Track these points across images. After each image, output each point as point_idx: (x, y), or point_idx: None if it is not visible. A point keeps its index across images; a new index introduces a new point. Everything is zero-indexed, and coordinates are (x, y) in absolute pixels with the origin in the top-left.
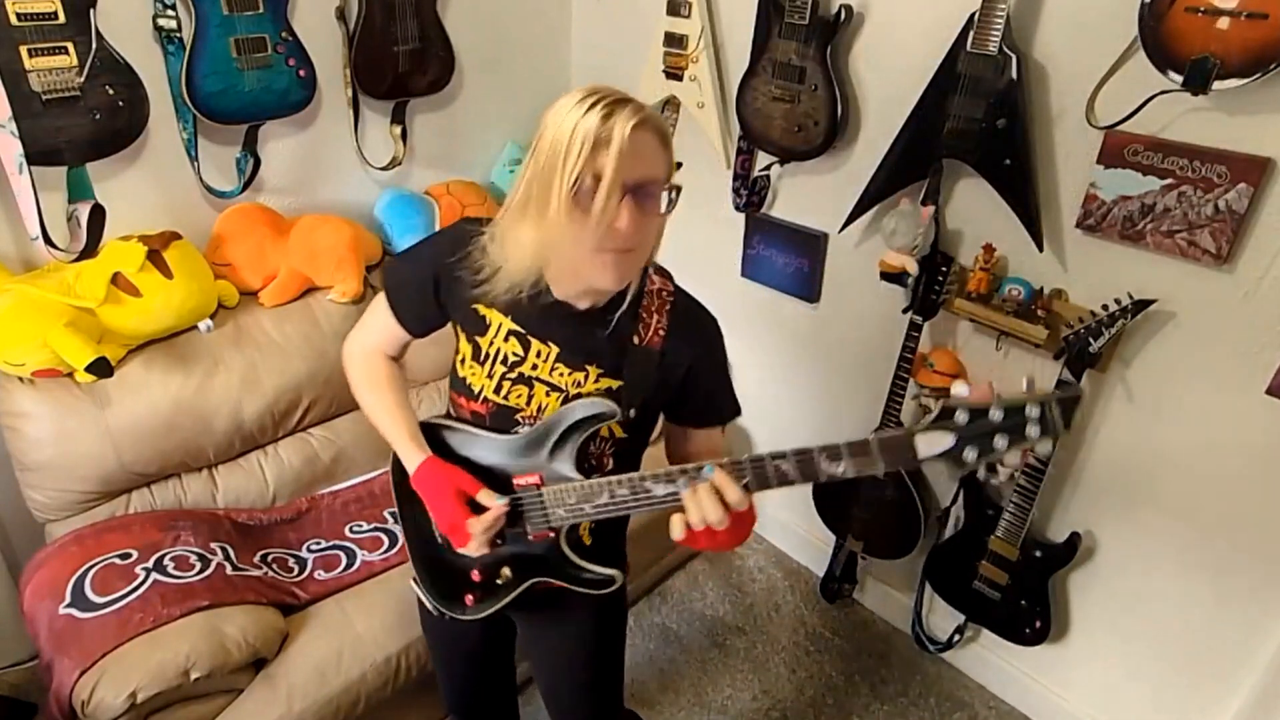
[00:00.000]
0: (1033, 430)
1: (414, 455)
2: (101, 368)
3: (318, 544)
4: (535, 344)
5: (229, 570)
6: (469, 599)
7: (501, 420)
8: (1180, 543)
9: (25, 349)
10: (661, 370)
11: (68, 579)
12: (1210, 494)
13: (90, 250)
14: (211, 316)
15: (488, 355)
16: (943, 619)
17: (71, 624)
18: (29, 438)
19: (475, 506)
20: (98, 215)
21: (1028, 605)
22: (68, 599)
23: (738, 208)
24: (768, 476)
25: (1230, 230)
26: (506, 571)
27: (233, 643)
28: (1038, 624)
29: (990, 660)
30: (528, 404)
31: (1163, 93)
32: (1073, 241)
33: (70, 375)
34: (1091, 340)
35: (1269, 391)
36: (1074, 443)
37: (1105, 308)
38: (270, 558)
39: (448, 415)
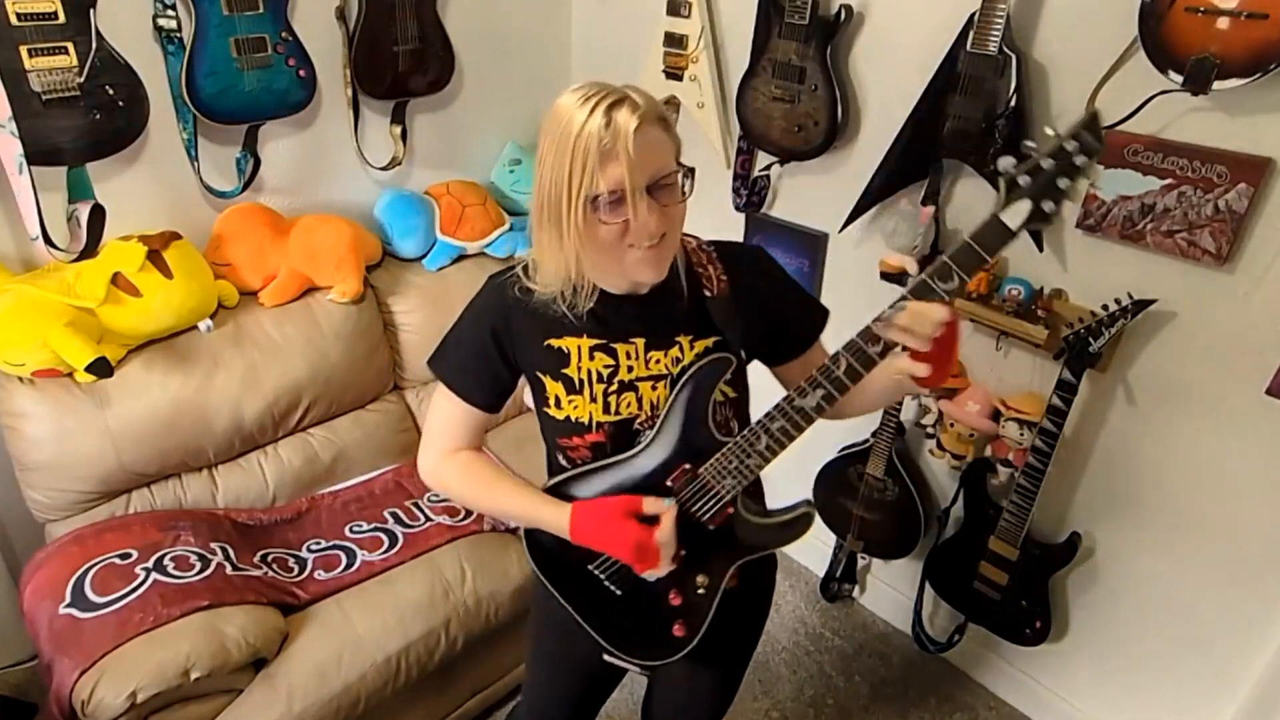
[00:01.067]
0: (1080, 159)
1: (559, 512)
2: (101, 368)
3: (318, 544)
4: (620, 347)
5: (229, 570)
6: (678, 629)
7: (622, 437)
8: (1180, 543)
9: (25, 349)
10: (743, 312)
11: (68, 579)
12: (1210, 494)
13: (90, 250)
14: (211, 316)
15: (582, 382)
16: (943, 619)
17: (71, 624)
18: (29, 438)
19: (646, 523)
20: (98, 215)
21: (1028, 605)
22: (68, 599)
23: (738, 208)
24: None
25: (1230, 230)
26: (701, 579)
27: (233, 643)
28: (1038, 624)
29: (990, 660)
30: (640, 407)
31: (1163, 93)
32: (1073, 241)
33: (70, 375)
34: (1091, 340)
35: (1269, 391)
36: (1074, 443)
37: (1105, 308)
38: (270, 558)
39: (559, 469)
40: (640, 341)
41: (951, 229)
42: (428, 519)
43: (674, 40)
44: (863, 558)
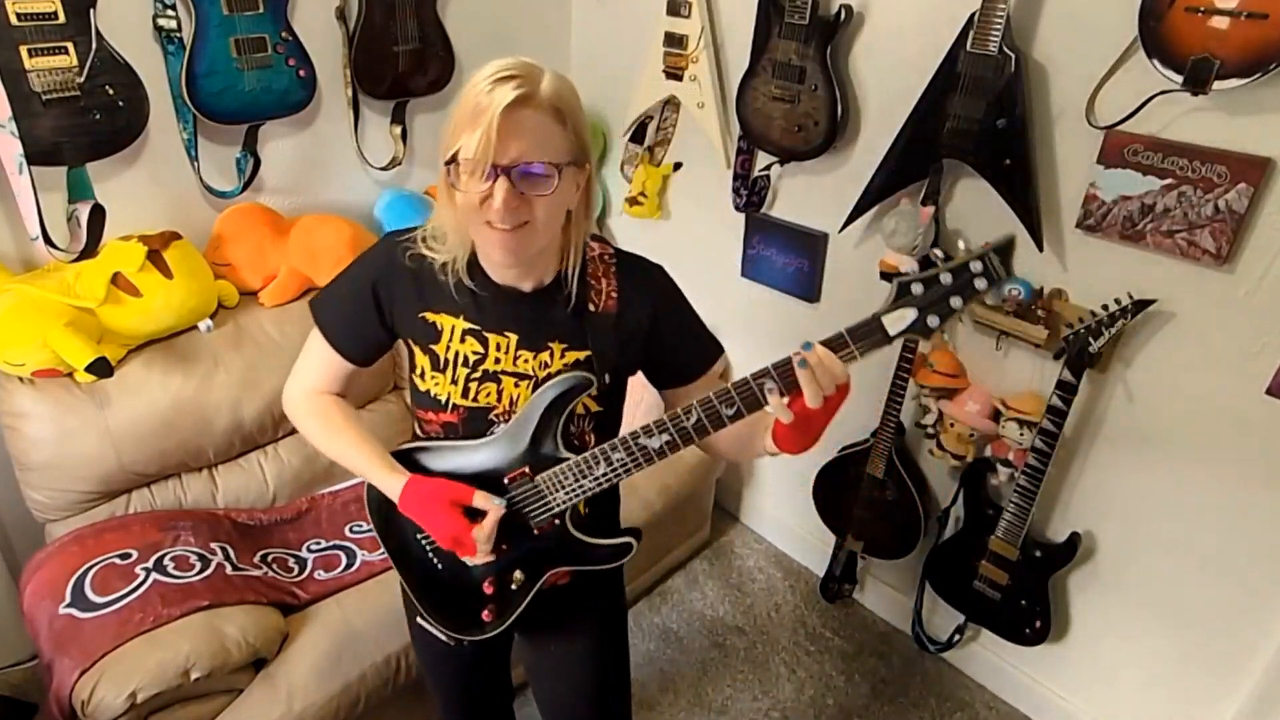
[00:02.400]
0: (980, 282)
1: (393, 480)
2: (101, 368)
3: (318, 544)
4: (493, 338)
5: (229, 570)
6: (486, 614)
7: (475, 424)
8: (1180, 543)
9: (25, 349)
10: (622, 330)
11: (68, 579)
12: (1210, 494)
13: (90, 250)
14: (211, 316)
15: (447, 361)
16: (943, 619)
17: (71, 624)
18: (29, 438)
19: (472, 515)
20: (98, 215)
21: (1028, 605)
22: (68, 599)
23: (738, 208)
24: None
25: (1230, 230)
26: (519, 574)
27: (233, 643)
28: (1038, 624)
29: (990, 660)
30: (499, 400)
31: (1163, 93)
32: (1073, 241)
33: (70, 375)
34: (1091, 340)
35: (1269, 391)
36: (1074, 443)
37: (1105, 308)
38: (270, 558)
39: (415, 438)
40: (514, 337)
41: (951, 229)
42: None
43: (674, 40)
44: (863, 558)
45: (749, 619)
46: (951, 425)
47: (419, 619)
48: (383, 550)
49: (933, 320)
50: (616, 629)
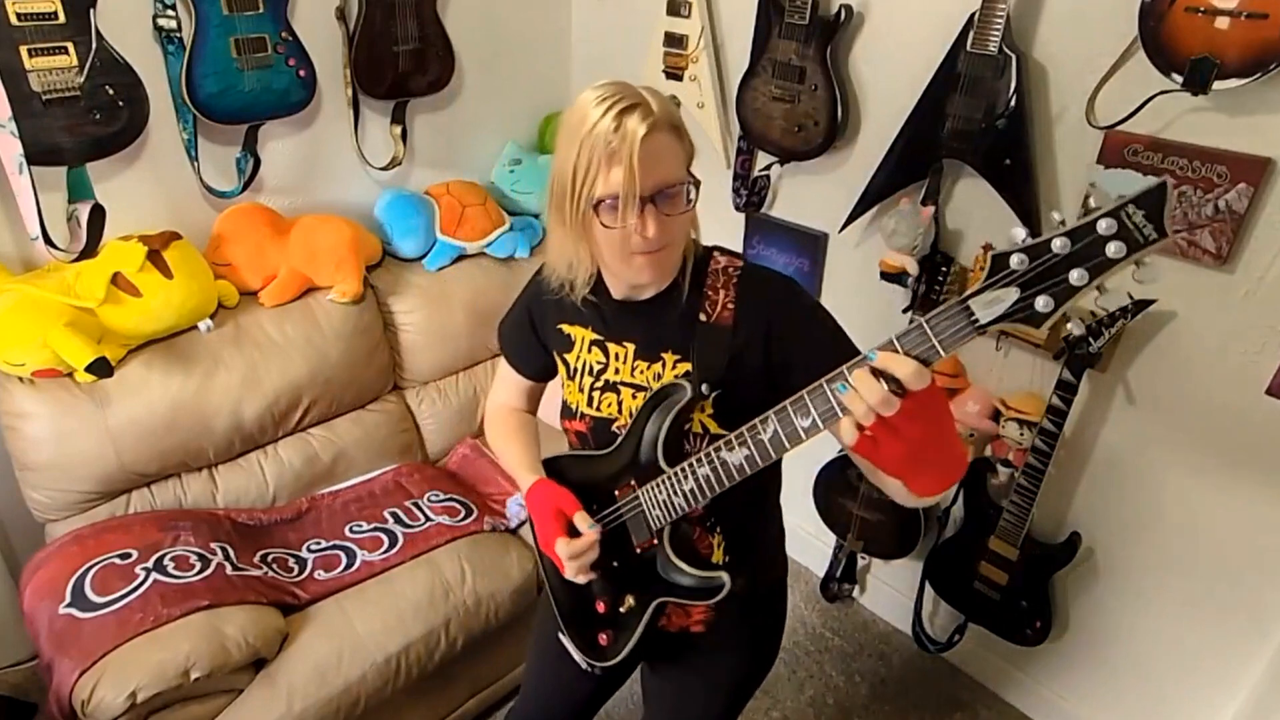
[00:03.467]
0: (1114, 248)
1: (527, 479)
2: (101, 368)
3: (318, 544)
4: (613, 347)
5: (229, 570)
6: (603, 637)
7: (601, 434)
8: (1180, 543)
9: (25, 349)
10: (736, 345)
11: (68, 579)
12: (1210, 494)
13: (90, 250)
14: (211, 316)
15: (576, 370)
16: (943, 619)
17: (71, 624)
18: (29, 438)
19: (575, 532)
20: (98, 215)
21: (1028, 605)
22: (68, 599)
23: (738, 208)
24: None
25: (1230, 230)
26: (630, 599)
27: (233, 643)
28: (1038, 624)
29: (990, 660)
30: (619, 411)
31: (1163, 93)
32: None
33: (70, 375)
34: (1091, 340)
35: (1269, 391)
36: (1074, 443)
37: (1105, 308)
38: (270, 558)
39: (570, 448)
40: (631, 347)
41: (952, 229)
42: (428, 519)
43: (674, 40)
44: (863, 558)
45: None
46: None
47: (559, 634)
48: (383, 550)
49: (1044, 303)
50: (739, 699)
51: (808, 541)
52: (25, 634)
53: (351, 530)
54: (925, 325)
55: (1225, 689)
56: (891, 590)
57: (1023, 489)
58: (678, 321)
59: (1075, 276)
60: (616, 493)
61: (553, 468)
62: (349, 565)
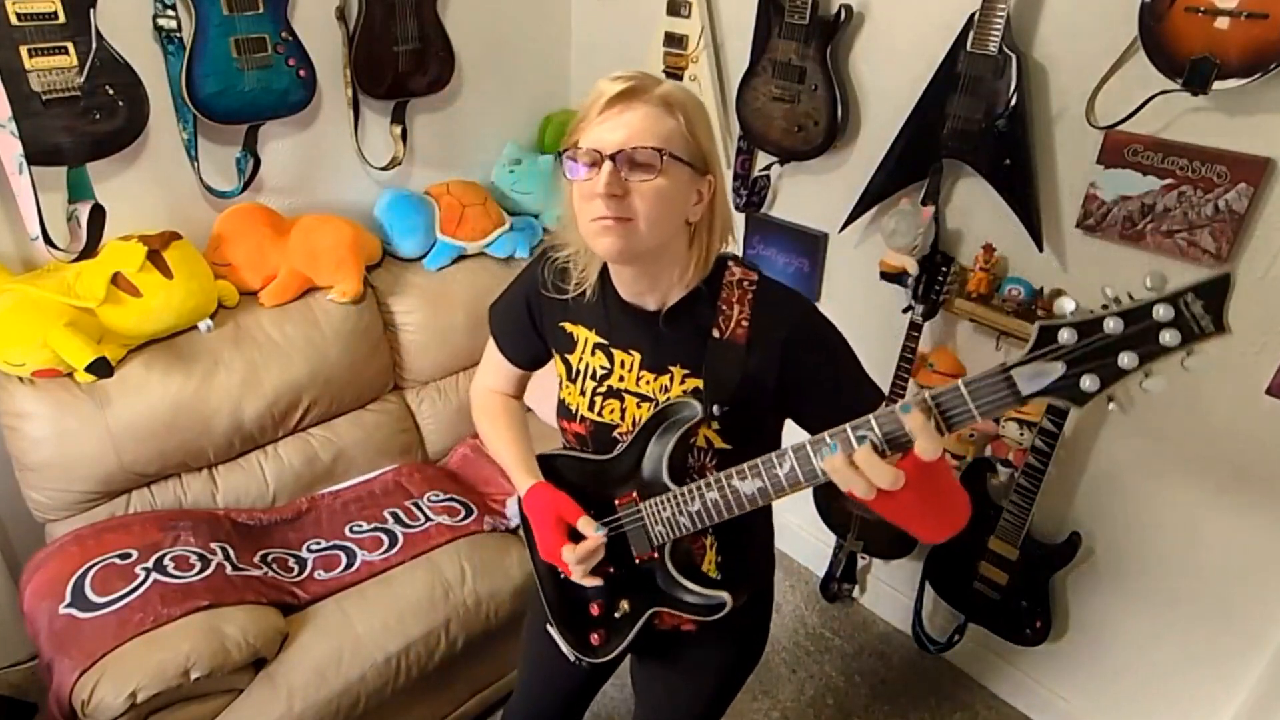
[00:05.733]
0: (1169, 336)
1: (524, 481)
2: (101, 368)
3: (318, 544)
4: (619, 354)
5: (229, 570)
6: (594, 637)
7: (601, 439)
8: (1180, 543)
9: (25, 349)
10: (748, 365)
11: (68, 579)
12: (1210, 494)
13: (90, 250)
14: (211, 316)
15: (578, 372)
16: (943, 619)
17: (71, 624)
18: (29, 438)
19: (577, 535)
20: (98, 215)
21: (1028, 605)
22: (68, 599)
23: (738, 208)
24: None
25: (1230, 230)
26: (625, 604)
27: (233, 643)
28: (1038, 624)
29: (990, 660)
30: (622, 418)
31: (1163, 93)
32: (1073, 242)
33: (70, 375)
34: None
35: (1269, 391)
36: (1074, 443)
37: (1105, 308)
38: (270, 558)
39: (564, 447)
40: (637, 356)
41: (952, 229)
42: (428, 519)
43: (674, 40)
44: (863, 558)
45: None
46: None
47: (548, 626)
48: (383, 550)
49: (1090, 382)
50: (727, 691)
51: (808, 541)
52: (25, 634)
53: (351, 530)
54: (963, 389)
55: (1225, 689)
56: (891, 590)
57: (1023, 489)
58: (689, 335)
59: (1125, 360)
60: (617, 501)
61: (549, 466)
62: (349, 565)
